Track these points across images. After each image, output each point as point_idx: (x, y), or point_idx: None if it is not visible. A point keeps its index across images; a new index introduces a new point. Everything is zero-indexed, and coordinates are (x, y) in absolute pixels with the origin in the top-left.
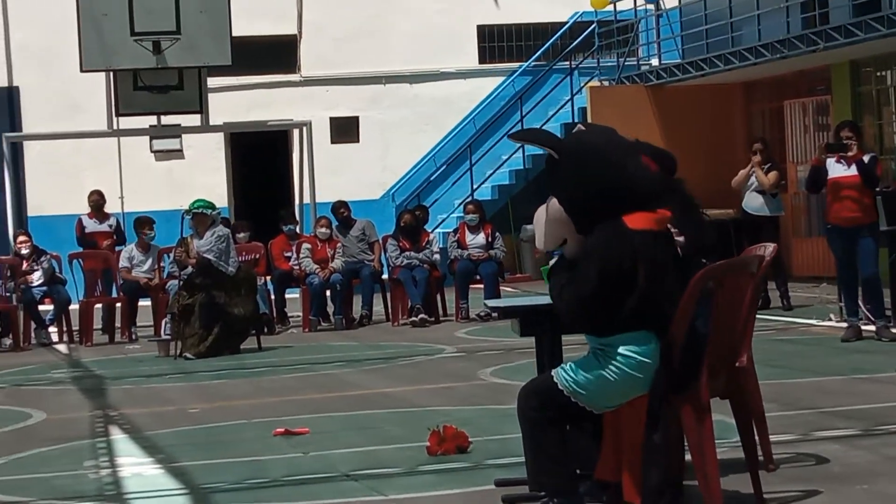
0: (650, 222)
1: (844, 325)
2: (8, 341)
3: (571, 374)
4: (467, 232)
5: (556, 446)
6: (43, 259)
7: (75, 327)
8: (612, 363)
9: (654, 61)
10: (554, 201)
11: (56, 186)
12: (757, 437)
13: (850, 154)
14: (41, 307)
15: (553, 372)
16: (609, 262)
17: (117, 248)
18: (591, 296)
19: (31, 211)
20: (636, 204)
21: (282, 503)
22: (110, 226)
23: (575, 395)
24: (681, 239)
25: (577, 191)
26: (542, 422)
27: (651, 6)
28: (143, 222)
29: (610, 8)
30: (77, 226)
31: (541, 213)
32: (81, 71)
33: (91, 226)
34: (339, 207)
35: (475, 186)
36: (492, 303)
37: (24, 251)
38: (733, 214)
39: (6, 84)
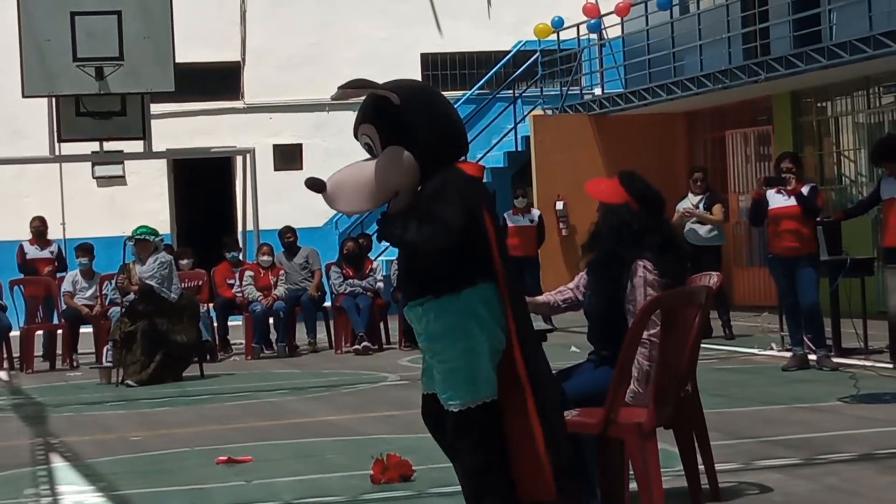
0: (475, 170)
1: (786, 353)
2: None
3: (451, 390)
4: None
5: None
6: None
7: (16, 354)
8: (465, 323)
9: (598, 90)
10: (390, 154)
11: None
12: (701, 466)
13: (789, 187)
14: None
15: (449, 407)
16: (468, 201)
17: (58, 275)
18: (459, 231)
19: None
20: (463, 153)
21: None
22: (52, 252)
23: (474, 400)
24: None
25: (428, 132)
26: (483, 468)
27: (594, 36)
28: (81, 249)
29: (553, 37)
30: (18, 252)
31: (354, 171)
32: (24, 96)
33: (32, 252)
34: (286, 233)
35: None
36: None
37: None
38: None
39: None
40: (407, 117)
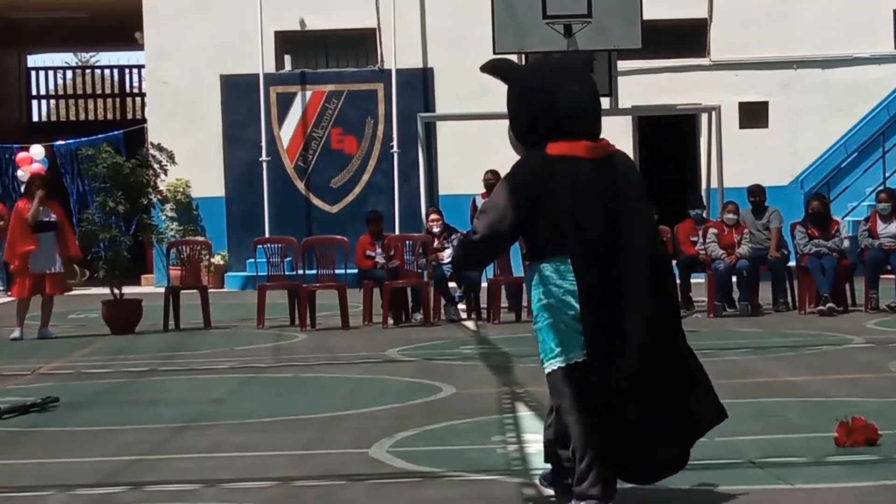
0: (572, 149)
1: None
2: (419, 316)
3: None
4: (879, 221)
5: None
6: (454, 237)
7: (483, 305)
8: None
9: None
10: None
11: (465, 166)
12: None
13: None
14: (451, 284)
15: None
16: (517, 184)
17: None
18: (502, 216)
19: (443, 189)
20: (559, 130)
21: (690, 486)
22: None
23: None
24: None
25: (514, 119)
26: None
27: None
28: None
29: None
30: (471, 205)
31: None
32: (494, 53)
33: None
34: (755, 192)
35: (888, 175)
36: None
37: (436, 229)
38: None
39: (421, 65)
40: (510, 99)
